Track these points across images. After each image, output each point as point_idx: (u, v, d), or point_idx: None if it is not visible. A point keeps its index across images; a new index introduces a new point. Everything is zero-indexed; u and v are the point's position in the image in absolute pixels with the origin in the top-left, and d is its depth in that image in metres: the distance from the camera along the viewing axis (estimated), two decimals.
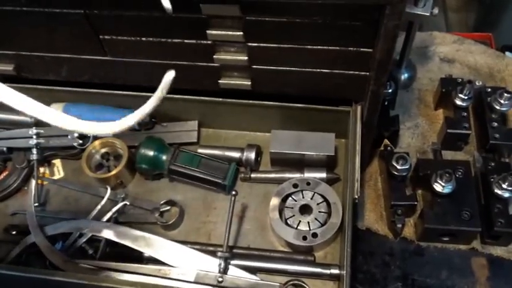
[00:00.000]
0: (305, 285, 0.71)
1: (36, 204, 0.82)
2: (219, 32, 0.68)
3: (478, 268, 0.79)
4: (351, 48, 0.67)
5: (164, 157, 0.83)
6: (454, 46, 1.04)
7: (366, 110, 0.75)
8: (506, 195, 0.76)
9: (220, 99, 0.83)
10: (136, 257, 0.76)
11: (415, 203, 0.80)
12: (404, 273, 0.79)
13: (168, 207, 0.82)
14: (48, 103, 0.88)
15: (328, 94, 0.78)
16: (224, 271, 0.72)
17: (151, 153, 0.83)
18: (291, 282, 0.70)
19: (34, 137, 0.86)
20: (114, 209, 0.80)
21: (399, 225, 0.79)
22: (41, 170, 0.90)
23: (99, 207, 0.80)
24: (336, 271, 0.72)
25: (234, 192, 0.74)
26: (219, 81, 0.78)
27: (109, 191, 0.82)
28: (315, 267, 0.74)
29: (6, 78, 0.83)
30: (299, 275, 0.74)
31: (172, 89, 0.84)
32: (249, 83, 0.77)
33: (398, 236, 0.81)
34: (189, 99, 0.84)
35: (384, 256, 0.80)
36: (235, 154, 0.85)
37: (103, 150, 0.87)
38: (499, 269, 0.78)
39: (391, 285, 0.78)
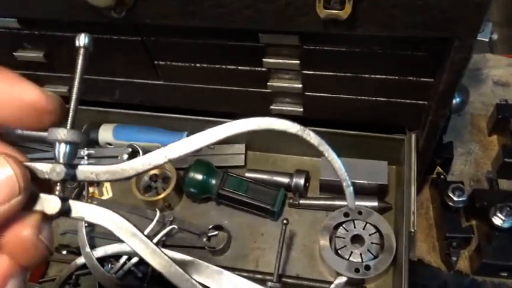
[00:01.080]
0: None
1: (86, 224, 0.83)
2: (275, 60, 0.68)
3: None
4: (411, 78, 0.66)
5: (213, 181, 0.83)
6: (509, 69, 1.01)
7: (422, 139, 0.73)
8: None
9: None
10: None
11: (472, 235, 0.77)
12: None
13: (216, 232, 0.82)
14: (98, 124, 0.91)
15: (381, 121, 0.76)
16: None
17: (200, 177, 0.83)
18: None
19: (85, 157, 0.87)
20: (163, 232, 0.80)
21: (454, 258, 0.76)
22: (90, 189, 0.91)
23: (148, 230, 0.81)
24: None
25: (285, 221, 0.73)
26: (271, 107, 0.77)
27: (158, 214, 0.82)
28: None
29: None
30: None
31: (221, 112, 0.86)
32: (301, 109, 0.76)
33: (452, 269, 0.78)
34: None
35: None
36: (284, 179, 0.84)
37: (152, 172, 0.87)
38: None
39: None
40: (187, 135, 0.86)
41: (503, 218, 0.73)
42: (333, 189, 0.81)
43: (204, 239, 0.81)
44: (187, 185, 0.83)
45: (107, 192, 0.91)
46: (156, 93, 0.80)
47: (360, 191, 0.79)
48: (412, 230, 0.67)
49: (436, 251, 0.81)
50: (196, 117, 0.85)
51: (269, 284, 0.71)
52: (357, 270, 0.72)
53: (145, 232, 0.81)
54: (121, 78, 0.79)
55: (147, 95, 0.82)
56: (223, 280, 0.74)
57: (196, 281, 0.38)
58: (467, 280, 0.78)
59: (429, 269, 0.80)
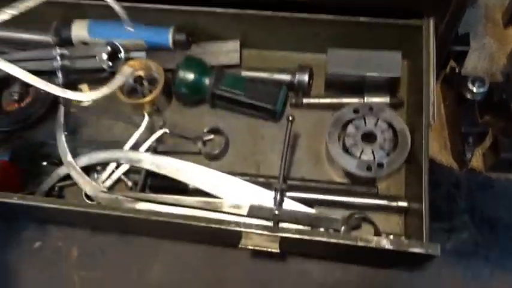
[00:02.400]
0: (371, 220, 0.64)
1: (66, 133, 0.75)
2: None
3: None
4: None
5: (206, 80, 0.74)
6: None
7: (442, 26, 0.65)
8: None
9: (268, 12, 0.72)
10: (181, 189, 0.70)
11: (488, 131, 0.72)
12: (472, 206, 0.72)
13: (212, 136, 0.75)
14: (70, 20, 0.79)
15: (393, 4, 0.67)
16: (280, 204, 0.65)
17: (192, 75, 0.74)
18: (356, 216, 0.64)
19: (58, 58, 0.76)
20: (153, 137, 0.73)
21: (468, 156, 0.72)
22: None
23: (137, 135, 0.73)
24: (403, 204, 0.66)
25: (291, 118, 0.66)
26: None
27: (147, 118, 0.74)
28: (380, 199, 0.67)
29: None
30: (360, 208, 0.67)
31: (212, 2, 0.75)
32: None
33: (466, 166, 0.74)
34: (231, 13, 0.73)
35: (449, 188, 0.73)
36: (285, 77, 0.76)
37: (136, 74, 0.77)
38: None
39: (457, 219, 0.71)
40: (174, 31, 0.77)
41: None
42: (341, 85, 0.74)
43: (199, 144, 0.74)
44: (178, 85, 0.75)
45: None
46: None
47: (371, 86, 0.72)
48: (432, 122, 0.61)
49: (448, 150, 0.76)
50: (185, 7, 0.74)
51: (275, 185, 0.65)
52: (368, 168, 0.66)
53: (134, 138, 0.73)
54: None
55: None
56: (223, 184, 0.68)
57: None
58: (480, 177, 0.74)
59: (440, 168, 0.75)
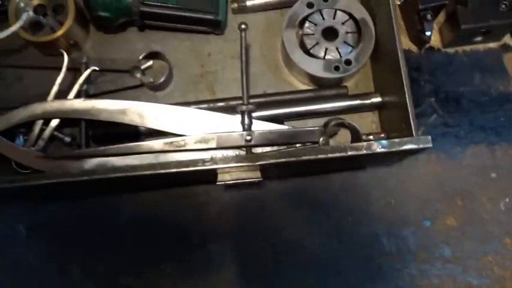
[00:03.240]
0: (350, 122, 0.59)
1: None
2: None
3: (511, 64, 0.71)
4: None
5: None
6: None
7: None
8: None
9: None
10: (132, 134, 0.60)
11: (446, 1, 0.67)
12: (436, 86, 0.70)
13: (151, 62, 0.63)
14: None
15: None
16: (249, 127, 0.58)
17: None
18: (333, 123, 0.59)
19: None
20: (81, 78, 0.60)
21: (429, 32, 0.67)
22: None
23: (59, 80, 0.59)
24: (377, 99, 0.62)
25: (243, 26, 0.56)
26: None
27: (66, 57, 0.60)
28: (353, 99, 0.62)
29: None
30: (333, 113, 0.62)
31: None
32: None
33: (424, 46, 0.70)
34: None
35: (410, 73, 0.69)
36: None
37: (35, 2, 0.62)
38: None
39: (423, 103, 0.69)
40: None
41: None
42: None
43: (138, 74, 0.62)
44: (94, 8, 0.61)
45: None
46: None
47: None
48: (398, 2, 0.55)
49: (404, 32, 0.72)
50: None
51: (241, 108, 0.57)
52: (336, 68, 0.60)
53: (56, 83, 0.60)
54: None
55: None
56: (181, 118, 0.59)
57: None
58: (439, 55, 0.71)
59: None
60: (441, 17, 0.70)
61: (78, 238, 0.64)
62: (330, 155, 0.51)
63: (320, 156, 0.50)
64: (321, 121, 0.62)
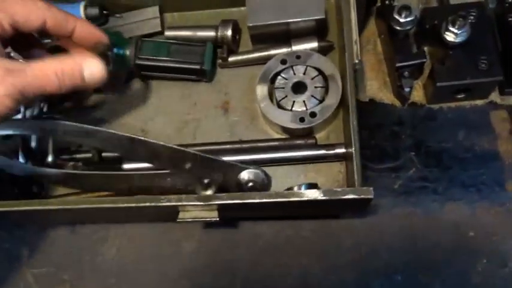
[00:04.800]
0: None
1: None
2: None
3: (499, 123, 0.70)
4: None
5: (127, 52, 0.70)
6: None
7: None
8: None
9: None
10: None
11: (424, 60, 0.69)
12: (417, 141, 0.70)
13: None
14: None
15: None
16: None
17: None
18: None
19: None
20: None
21: (407, 90, 0.69)
22: None
23: None
24: (341, 150, 0.64)
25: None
26: None
27: None
28: (318, 149, 0.65)
29: None
30: (302, 161, 0.66)
31: None
32: None
33: (406, 101, 0.72)
34: None
35: (392, 127, 0.71)
36: (209, 33, 0.71)
37: None
38: None
39: (403, 157, 0.70)
40: (85, 5, 0.72)
41: (455, 31, 0.64)
42: (267, 36, 0.70)
43: None
44: None
45: None
46: None
47: (297, 32, 0.69)
48: (356, 61, 0.59)
49: (388, 87, 0.74)
50: None
51: None
52: (302, 120, 0.64)
53: None
54: None
55: None
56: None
57: None
58: (422, 111, 0.72)
59: (382, 107, 0.72)
60: (427, 71, 0.72)
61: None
62: (273, 200, 0.54)
63: (264, 200, 0.54)
64: (294, 168, 0.66)
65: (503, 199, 0.66)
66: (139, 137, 0.60)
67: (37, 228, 0.73)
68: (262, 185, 0.59)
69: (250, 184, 0.59)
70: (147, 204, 0.56)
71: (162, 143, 0.59)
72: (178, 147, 0.59)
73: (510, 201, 0.66)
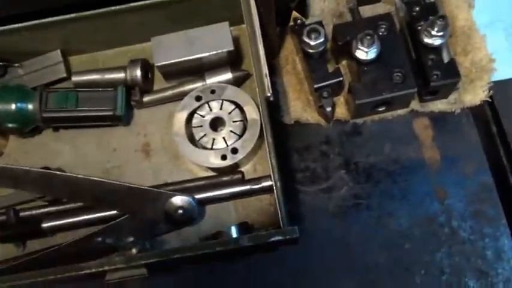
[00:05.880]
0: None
1: None
2: None
3: (421, 130, 0.71)
4: None
5: (30, 106, 0.66)
6: None
7: None
8: (438, 42, 0.65)
9: (84, 13, 0.64)
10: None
11: (341, 78, 0.68)
12: (346, 158, 0.70)
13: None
14: None
15: None
16: None
17: (12, 106, 0.65)
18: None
19: None
20: None
21: (329, 109, 0.68)
22: None
23: None
24: (267, 183, 0.62)
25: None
26: None
27: None
28: (245, 185, 0.63)
29: None
30: (230, 198, 0.64)
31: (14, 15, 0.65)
32: None
33: (330, 120, 0.71)
34: (38, 24, 0.64)
35: (320, 147, 0.71)
36: (119, 75, 0.68)
37: None
38: (442, 125, 0.70)
39: (334, 176, 0.69)
40: None
41: (365, 49, 0.64)
42: (179, 73, 0.68)
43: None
44: (3, 121, 0.66)
45: None
46: None
47: (209, 66, 0.66)
48: (268, 95, 0.57)
49: (312, 106, 0.73)
50: None
51: None
52: (223, 157, 0.62)
53: None
54: None
55: None
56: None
57: None
58: (348, 127, 0.72)
59: (308, 128, 0.72)
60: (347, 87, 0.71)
61: None
62: (200, 252, 0.52)
63: (187, 254, 0.52)
64: (224, 205, 0.64)
65: (433, 207, 0.66)
66: (56, 172, 0.57)
67: None
68: (192, 213, 0.58)
69: (180, 211, 0.58)
70: (73, 273, 0.53)
71: (81, 176, 0.56)
72: (101, 180, 0.57)
73: (440, 208, 0.66)
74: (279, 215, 0.53)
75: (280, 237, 0.51)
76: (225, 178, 0.64)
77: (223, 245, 0.51)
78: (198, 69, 0.67)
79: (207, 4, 0.65)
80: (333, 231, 0.67)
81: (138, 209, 0.59)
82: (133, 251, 0.56)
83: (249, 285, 0.65)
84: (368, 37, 0.62)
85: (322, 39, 0.65)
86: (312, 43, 0.65)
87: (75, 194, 0.59)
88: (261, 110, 0.58)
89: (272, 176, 0.54)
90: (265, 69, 0.58)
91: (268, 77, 0.57)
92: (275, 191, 0.53)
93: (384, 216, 0.67)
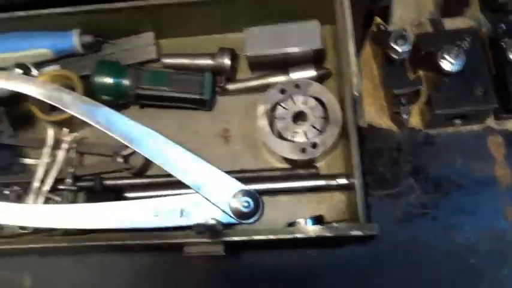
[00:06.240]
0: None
1: None
2: None
3: (495, 147, 0.71)
4: None
5: (126, 82, 0.69)
6: None
7: None
8: None
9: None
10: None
11: (420, 87, 0.69)
12: (416, 167, 0.71)
13: (132, 150, 0.68)
14: None
15: None
16: None
17: (110, 80, 0.69)
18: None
19: None
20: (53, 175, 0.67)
21: (405, 116, 0.70)
22: None
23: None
24: (343, 181, 0.64)
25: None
26: None
27: (50, 136, 0.69)
28: (320, 179, 0.65)
29: None
30: (303, 191, 0.66)
31: None
32: None
33: (404, 127, 0.72)
34: (135, 6, 0.68)
35: (391, 152, 0.72)
36: (207, 61, 0.71)
37: None
38: None
39: (403, 183, 0.70)
40: (79, 33, 0.71)
41: (452, 60, 0.65)
42: (265, 65, 0.70)
43: (119, 160, 0.69)
44: (98, 93, 0.70)
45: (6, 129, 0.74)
46: None
47: (294, 61, 0.69)
48: (356, 94, 0.59)
49: (385, 112, 0.74)
50: (86, 7, 0.69)
51: None
52: (303, 151, 0.64)
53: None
54: None
55: None
56: None
57: None
58: (420, 136, 0.72)
59: (380, 133, 0.73)
60: (424, 96, 0.72)
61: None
62: (281, 237, 0.54)
63: (270, 237, 0.54)
64: (295, 197, 0.66)
65: (501, 225, 0.66)
66: None
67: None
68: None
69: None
70: (157, 241, 0.56)
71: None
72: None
73: (508, 227, 0.66)
74: (359, 212, 0.54)
75: (359, 232, 0.53)
76: (301, 171, 0.66)
77: (304, 232, 0.53)
78: (283, 63, 0.69)
79: (298, 2, 0.67)
80: (398, 237, 0.68)
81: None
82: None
83: (309, 278, 0.67)
84: (456, 48, 0.64)
85: (409, 47, 0.66)
86: (399, 49, 0.66)
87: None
88: (347, 108, 0.59)
89: (354, 173, 0.56)
90: (354, 69, 0.59)
91: (358, 77, 0.59)
92: (356, 188, 0.55)
93: (450, 228, 0.67)
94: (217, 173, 0.61)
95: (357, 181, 0.56)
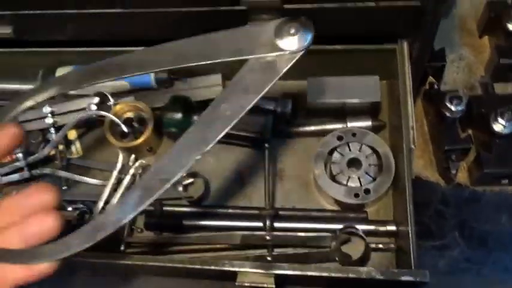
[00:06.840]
0: (360, 233, 0.65)
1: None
2: None
3: None
4: None
5: (194, 117, 0.75)
6: None
7: (416, 46, 0.67)
8: None
9: None
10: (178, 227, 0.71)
11: (471, 145, 0.73)
12: (461, 221, 0.73)
13: (191, 180, 0.73)
14: (53, 67, 0.81)
15: (369, 31, 0.69)
16: (271, 229, 0.67)
17: (179, 115, 0.75)
18: (344, 230, 0.66)
19: (49, 115, 0.77)
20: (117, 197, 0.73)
21: (453, 171, 0.73)
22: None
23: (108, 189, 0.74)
24: (392, 228, 0.67)
25: (266, 145, 0.69)
26: None
27: (120, 161, 0.75)
28: (369, 224, 0.68)
29: (4, 42, 0.74)
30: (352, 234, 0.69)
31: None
32: None
33: (452, 182, 0.75)
34: None
35: (437, 205, 0.75)
36: (269, 105, 0.76)
37: (125, 116, 0.79)
38: None
39: (447, 236, 0.73)
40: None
41: (504, 123, 0.69)
42: (323, 112, 0.75)
43: (180, 188, 0.73)
44: (167, 125, 0.76)
45: (77, 151, 0.82)
46: (116, 23, 0.70)
47: (352, 111, 0.74)
48: (413, 147, 0.63)
49: (433, 166, 0.78)
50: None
51: (263, 212, 0.67)
52: (356, 195, 0.68)
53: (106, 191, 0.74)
54: (73, 9, 0.68)
55: (105, 27, 0.71)
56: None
57: None
58: (467, 192, 0.75)
59: (427, 185, 0.76)
60: (472, 154, 0.76)
61: None
62: (333, 275, 0.57)
63: (323, 274, 0.57)
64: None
65: None
66: None
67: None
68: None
69: None
70: (212, 267, 0.60)
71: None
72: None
73: None
74: (411, 258, 0.57)
75: (410, 278, 0.55)
76: (351, 214, 0.69)
77: (357, 273, 0.56)
78: (341, 112, 0.74)
79: (361, 58, 0.73)
80: None
81: None
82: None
83: None
84: (510, 112, 0.67)
85: (462, 107, 0.71)
86: (453, 109, 0.70)
87: None
88: (402, 159, 0.63)
89: (409, 220, 0.59)
90: (412, 123, 0.64)
91: (415, 130, 0.63)
92: (410, 234, 0.58)
93: (494, 285, 0.69)
94: None
95: (410, 228, 0.58)
